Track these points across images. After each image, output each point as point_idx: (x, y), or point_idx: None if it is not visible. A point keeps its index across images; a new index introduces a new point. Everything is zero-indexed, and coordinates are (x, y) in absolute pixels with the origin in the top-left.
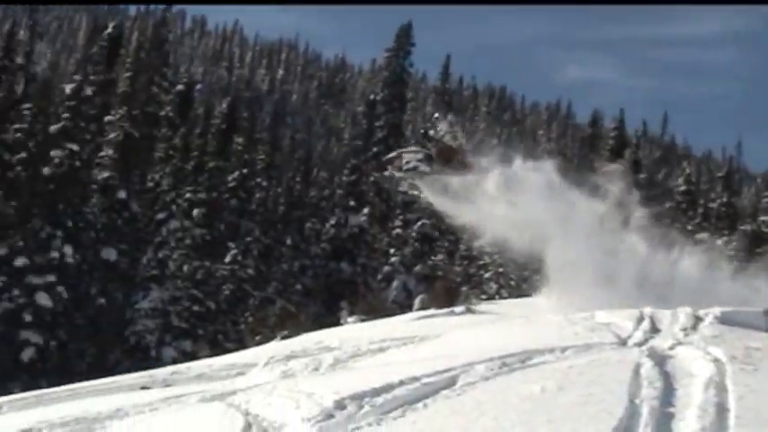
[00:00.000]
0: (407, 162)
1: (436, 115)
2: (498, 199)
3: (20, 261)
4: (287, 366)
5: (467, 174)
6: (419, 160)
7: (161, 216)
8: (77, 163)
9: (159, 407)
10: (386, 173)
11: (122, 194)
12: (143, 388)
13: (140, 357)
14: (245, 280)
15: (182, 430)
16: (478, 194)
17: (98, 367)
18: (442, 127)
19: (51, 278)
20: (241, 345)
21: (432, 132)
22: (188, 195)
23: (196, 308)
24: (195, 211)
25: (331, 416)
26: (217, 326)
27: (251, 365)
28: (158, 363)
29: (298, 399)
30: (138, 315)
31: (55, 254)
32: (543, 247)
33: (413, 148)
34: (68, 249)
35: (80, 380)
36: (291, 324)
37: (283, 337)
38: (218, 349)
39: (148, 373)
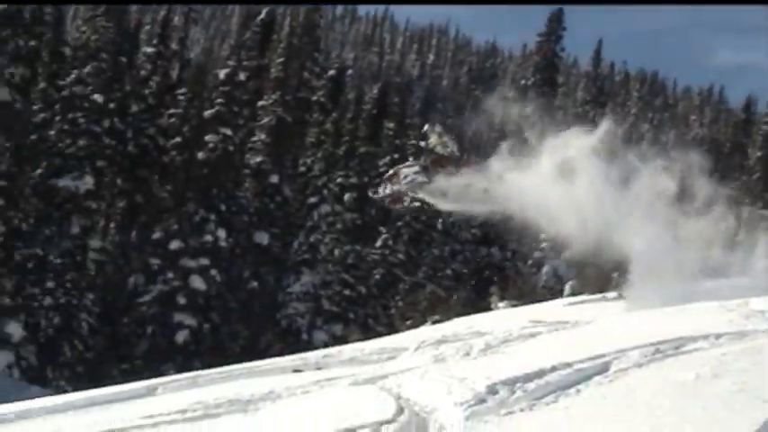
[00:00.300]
0: (405, 176)
1: (426, 126)
2: (551, 185)
3: (174, 244)
4: (438, 351)
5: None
6: (416, 173)
7: (312, 200)
8: (231, 147)
9: (311, 389)
10: (387, 191)
11: (275, 179)
12: (295, 371)
13: (292, 341)
14: (395, 264)
15: (334, 413)
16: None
17: (250, 350)
18: (433, 138)
19: (205, 261)
20: (392, 329)
21: (422, 144)
22: (339, 180)
23: (347, 292)
24: (346, 196)
25: (483, 401)
26: (367, 310)
27: (402, 350)
28: (309, 346)
29: (449, 383)
30: (289, 298)
31: (208, 237)
32: (613, 236)
33: (408, 163)
34: (222, 233)
35: (233, 362)
36: (442, 309)
37: (434, 322)
38: (368, 333)
39: (300, 356)
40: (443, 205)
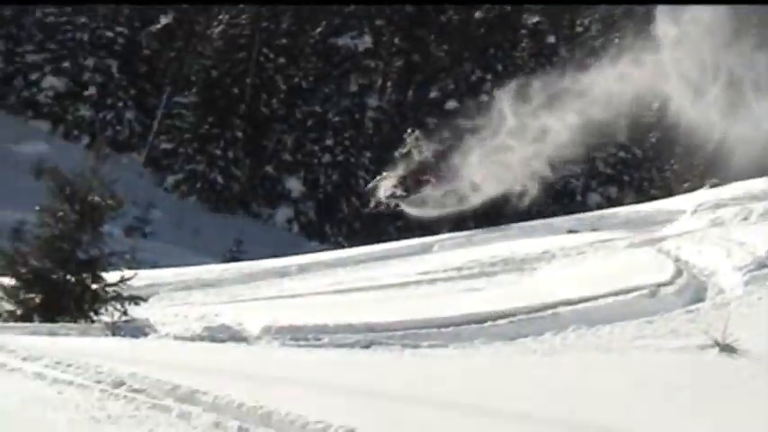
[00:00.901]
0: (385, 190)
1: (409, 131)
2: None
3: (450, 104)
4: (715, 215)
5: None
6: (394, 186)
7: (589, 62)
8: (508, 7)
9: (586, 251)
10: (372, 203)
11: (551, 39)
12: (570, 231)
13: (566, 202)
14: (670, 127)
15: (611, 274)
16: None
17: (524, 210)
18: (410, 140)
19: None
20: (667, 192)
21: (396, 153)
22: (616, 41)
23: (622, 154)
24: (623, 57)
25: (763, 266)
26: (642, 173)
27: (679, 213)
28: (583, 208)
29: (728, 247)
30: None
31: (484, 97)
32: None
33: (386, 174)
34: (499, 94)
35: (506, 222)
36: (720, 172)
37: (712, 185)
38: (643, 196)
39: (575, 217)
40: (423, 213)
